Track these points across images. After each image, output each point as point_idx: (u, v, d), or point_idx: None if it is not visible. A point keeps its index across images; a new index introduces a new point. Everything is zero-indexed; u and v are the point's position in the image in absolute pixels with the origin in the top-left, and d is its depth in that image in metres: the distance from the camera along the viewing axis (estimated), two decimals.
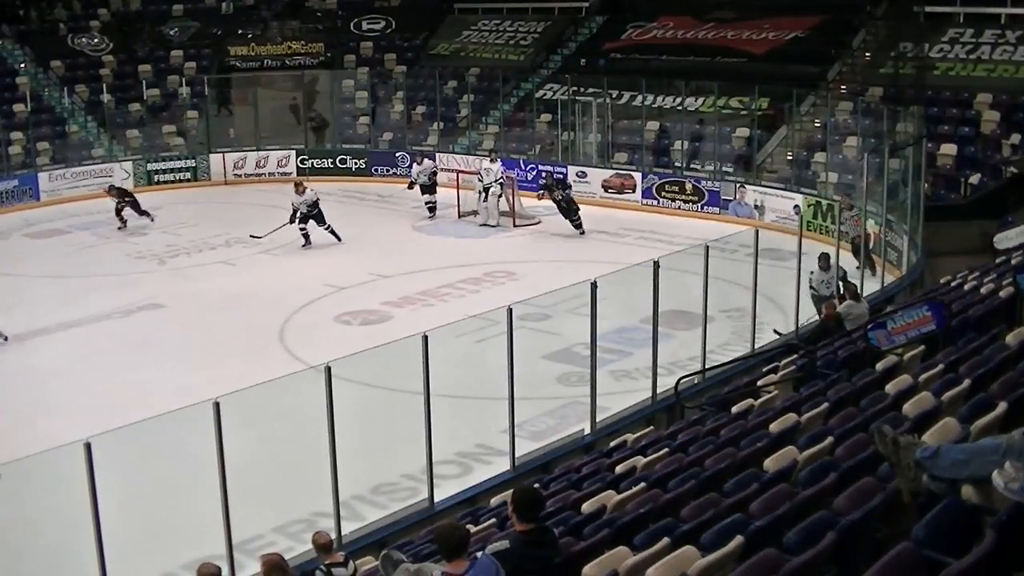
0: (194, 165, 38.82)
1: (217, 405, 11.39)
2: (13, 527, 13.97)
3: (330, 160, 39.27)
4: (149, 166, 38.26)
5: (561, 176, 33.20)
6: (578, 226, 29.97)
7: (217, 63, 42.97)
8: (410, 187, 33.22)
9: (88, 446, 10.45)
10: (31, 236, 31.66)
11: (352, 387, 14.39)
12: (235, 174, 38.87)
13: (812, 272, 20.38)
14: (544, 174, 33.07)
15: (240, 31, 44.22)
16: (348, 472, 12.98)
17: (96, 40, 42.57)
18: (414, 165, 34.06)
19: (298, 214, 29.12)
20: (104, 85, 40.38)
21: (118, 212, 31.82)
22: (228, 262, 27.27)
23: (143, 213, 31.96)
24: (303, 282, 25.80)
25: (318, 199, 29.30)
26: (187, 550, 12.59)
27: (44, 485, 13.63)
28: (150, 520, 14.23)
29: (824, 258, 20.59)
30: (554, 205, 30.48)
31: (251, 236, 29.17)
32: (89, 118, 39.58)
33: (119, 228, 31.72)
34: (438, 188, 33.00)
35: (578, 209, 30.26)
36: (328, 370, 12.26)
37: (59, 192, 36.12)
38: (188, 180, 38.50)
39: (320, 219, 29.34)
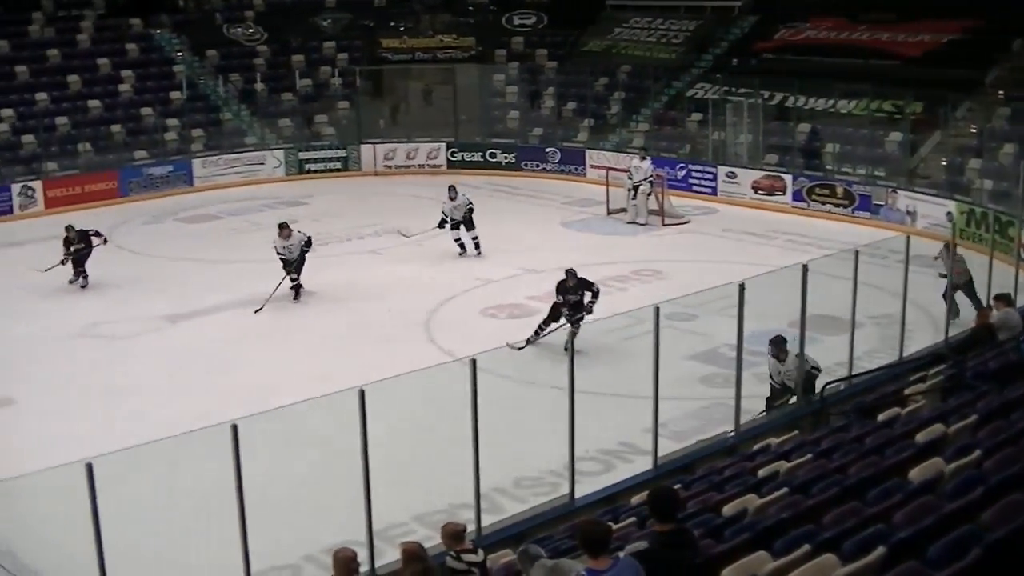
0: (345, 155, 39.43)
1: (362, 393, 11.52)
2: (163, 501, 14.38)
3: (480, 154, 39.53)
4: (300, 155, 39.00)
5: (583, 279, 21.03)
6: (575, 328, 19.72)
7: (368, 55, 43.45)
8: (440, 226, 27.82)
9: (235, 427, 10.64)
10: (184, 221, 32.42)
11: (496, 380, 14.48)
12: (385, 165, 39.38)
13: (770, 360, 16.95)
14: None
15: (392, 23, 44.65)
16: (489, 465, 12.96)
17: (251, 30, 43.32)
18: (447, 200, 27.84)
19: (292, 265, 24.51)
20: (257, 74, 41.25)
21: (75, 261, 25.42)
22: (376, 251, 27.57)
23: (79, 271, 25.46)
24: (452, 274, 26.18)
25: (310, 237, 24.89)
26: (328, 534, 12.78)
27: (189, 464, 13.95)
28: (292, 504, 14.51)
29: (777, 344, 16.68)
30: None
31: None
32: (242, 106, 40.40)
33: (70, 281, 25.46)
34: (474, 223, 27.90)
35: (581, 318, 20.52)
36: (473, 363, 12.30)
37: (211, 178, 37.06)
38: (339, 170, 39.12)
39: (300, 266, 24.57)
